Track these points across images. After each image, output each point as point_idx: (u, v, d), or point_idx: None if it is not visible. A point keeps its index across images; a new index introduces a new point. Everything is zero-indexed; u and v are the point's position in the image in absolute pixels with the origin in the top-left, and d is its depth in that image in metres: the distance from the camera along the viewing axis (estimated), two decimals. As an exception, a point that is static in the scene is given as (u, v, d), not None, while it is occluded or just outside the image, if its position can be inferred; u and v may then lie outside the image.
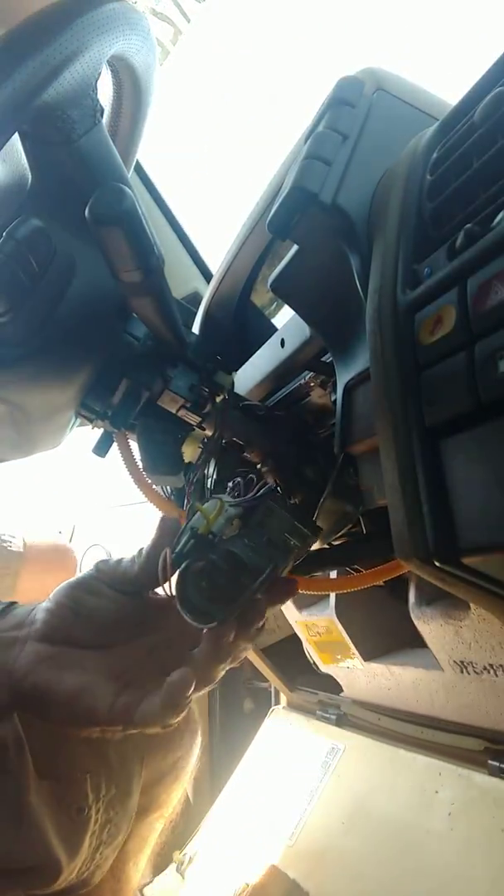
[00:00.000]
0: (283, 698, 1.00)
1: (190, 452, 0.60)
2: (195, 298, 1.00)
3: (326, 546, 0.55)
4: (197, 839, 0.90)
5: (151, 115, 0.55)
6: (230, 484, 0.56)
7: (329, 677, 0.88)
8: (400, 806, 0.68)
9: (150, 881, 0.89)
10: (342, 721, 0.86)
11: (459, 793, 0.64)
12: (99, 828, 0.59)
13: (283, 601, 0.42)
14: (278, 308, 0.81)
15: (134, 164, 0.59)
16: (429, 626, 0.62)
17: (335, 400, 0.42)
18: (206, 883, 0.82)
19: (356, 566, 0.56)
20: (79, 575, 0.42)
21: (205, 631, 0.39)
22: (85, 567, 1.51)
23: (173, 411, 0.55)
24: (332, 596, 0.78)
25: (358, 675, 0.80)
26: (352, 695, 0.85)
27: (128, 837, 0.64)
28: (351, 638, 0.76)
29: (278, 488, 0.56)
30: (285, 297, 0.43)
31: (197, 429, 0.58)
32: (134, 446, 0.60)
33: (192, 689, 0.37)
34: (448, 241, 0.27)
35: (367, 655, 0.76)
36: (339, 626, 0.76)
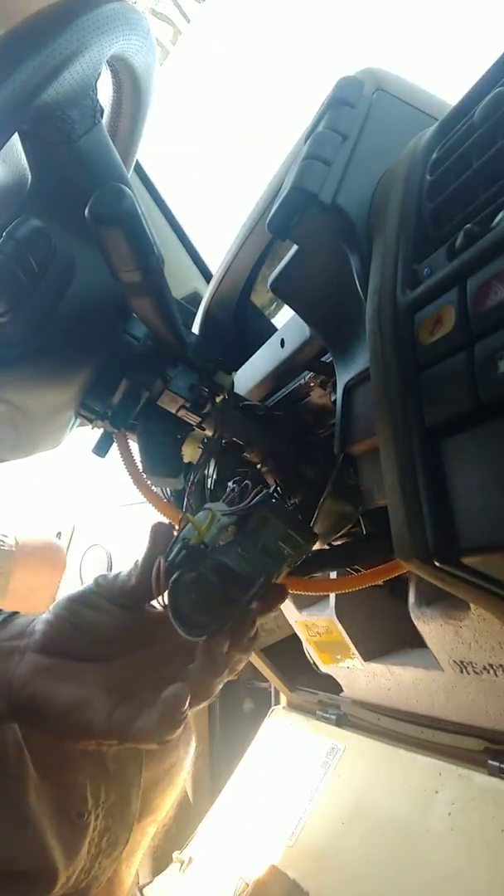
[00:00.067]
0: (283, 698, 1.00)
1: (190, 453, 0.60)
2: (195, 298, 1.00)
3: (326, 547, 0.55)
4: (197, 839, 0.90)
5: (151, 115, 0.55)
6: (230, 484, 0.56)
7: (329, 677, 0.88)
8: (400, 806, 0.68)
9: (151, 881, 0.89)
10: (342, 721, 0.86)
11: (459, 793, 0.64)
12: (98, 835, 0.59)
13: (274, 609, 0.42)
14: (278, 308, 0.81)
15: (134, 164, 0.59)
16: (429, 626, 0.62)
17: (335, 400, 0.42)
18: (206, 883, 0.81)
19: (356, 566, 0.56)
20: (79, 588, 0.42)
21: (199, 644, 0.39)
22: (85, 567, 1.52)
23: (173, 411, 0.55)
24: (332, 596, 0.78)
25: (358, 675, 0.80)
26: (352, 695, 0.85)
27: None
28: (351, 638, 0.76)
29: (278, 488, 0.56)
30: (285, 297, 0.43)
31: (197, 429, 0.58)
32: (134, 447, 0.60)
33: (188, 704, 0.37)
34: (448, 242, 0.27)
35: (367, 655, 0.76)
36: (339, 626, 0.76)
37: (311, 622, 0.82)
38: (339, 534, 0.51)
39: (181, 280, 1.04)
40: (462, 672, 0.62)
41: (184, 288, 1.03)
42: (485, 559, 0.25)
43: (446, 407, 0.25)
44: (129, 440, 0.61)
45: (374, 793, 0.73)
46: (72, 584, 1.55)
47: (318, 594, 0.82)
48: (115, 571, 0.43)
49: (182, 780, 0.79)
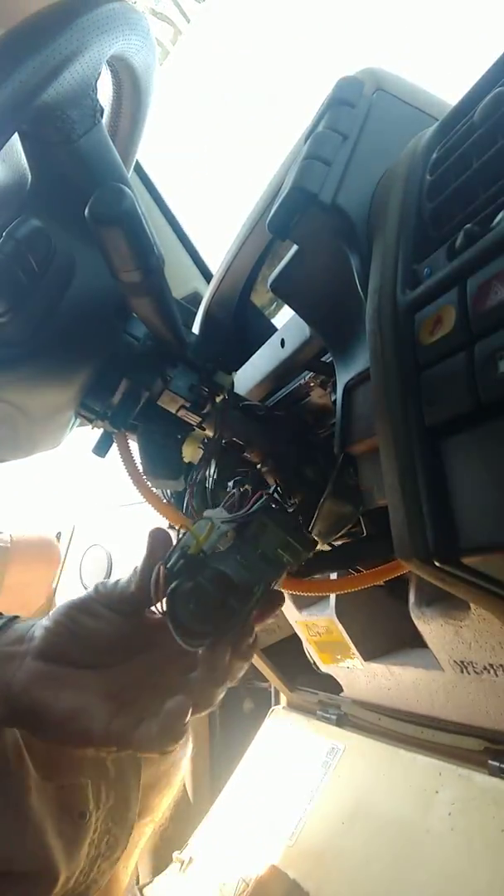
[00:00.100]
0: (283, 698, 1.00)
1: (190, 453, 0.60)
2: (195, 298, 1.00)
3: (327, 547, 0.55)
4: (197, 839, 0.90)
5: (151, 115, 0.55)
6: (230, 484, 0.56)
7: (329, 677, 0.88)
8: (400, 806, 0.68)
9: (151, 881, 0.89)
10: (342, 721, 0.86)
11: (459, 793, 0.64)
12: (98, 837, 0.59)
13: (271, 616, 0.42)
14: (278, 308, 0.81)
15: (134, 164, 0.59)
16: (429, 626, 0.62)
17: (335, 400, 0.42)
18: (206, 883, 0.81)
19: (356, 567, 0.56)
20: (78, 595, 0.42)
21: (200, 654, 0.39)
22: (85, 567, 1.52)
23: (173, 411, 0.55)
24: (333, 596, 0.78)
25: (358, 675, 0.80)
26: (352, 695, 0.85)
27: None
28: (351, 638, 0.76)
29: (278, 488, 0.56)
30: (285, 297, 0.43)
31: (197, 429, 0.58)
32: (134, 447, 0.60)
33: (189, 715, 0.37)
34: (448, 241, 0.27)
35: (367, 655, 0.76)
36: (339, 626, 0.76)
37: (312, 622, 0.82)
38: (340, 534, 0.51)
39: (181, 280, 1.04)
40: (462, 672, 0.62)
41: (184, 288, 1.03)
42: (485, 559, 0.25)
43: (446, 407, 0.25)
44: (129, 440, 0.61)
45: (374, 793, 0.73)
46: (72, 583, 1.55)
47: (318, 595, 0.82)
48: (114, 577, 0.43)
49: (179, 781, 0.79)
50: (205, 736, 1.19)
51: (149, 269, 0.42)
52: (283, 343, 0.53)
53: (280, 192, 0.35)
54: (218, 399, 0.55)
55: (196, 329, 0.67)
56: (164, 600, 0.38)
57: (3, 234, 0.44)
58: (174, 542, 0.42)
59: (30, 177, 0.49)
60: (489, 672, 0.59)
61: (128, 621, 0.41)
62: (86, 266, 0.49)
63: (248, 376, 0.60)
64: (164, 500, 0.65)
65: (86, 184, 0.46)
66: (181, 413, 0.55)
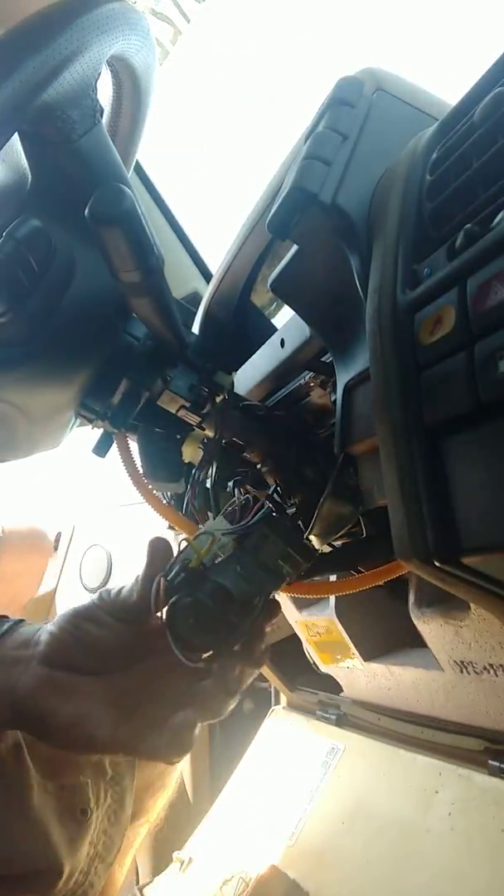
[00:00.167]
0: (283, 698, 1.00)
1: (189, 453, 0.60)
2: (195, 298, 1.00)
3: (327, 549, 0.55)
4: (197, 839, 0.90)
5: (151, 115, 0.55)
6: (230, 484, 0.55)
7: (329, 677, 0.88)
8: (400, 806, 0.68)
9: (151, 881, 0.89)
10: (342, 721, 0.86)
11: (459, 793, 0.64)
12: (97, 836, 0.59)
13: (268, 624, 0.42)
14: (278, 308, 0.81)
15: (134, 164, 0.59)
16: (429, 626, 0.62)
17: (335, 400, 0.42)
18: (206, 883, 0.81)
19: (356, 567, 0.56)
20: (83, 603, 0.43)
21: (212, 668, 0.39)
22: (85, 567, 1.52)
23: (173, 411, 0.55)
24: (332, 596, 0.78)
25: (358, 675, 0.80)
26: (352, 695, 0.85)
27: None
28: (351, 638, 0.76)
29: (277, 489, 0.56)
30: (285, 297, 0.43)
31: (197, 429, 0.58)
32: (133, 447, 0.60)
33: (199, 727, 0.37)
34: (448, 241, 0.27)
35: (367, 655, 0.76)
36: (339, 626, 0.76)
37: (311, 622, 0.82)
38: (339, 534, 0.51)
39: (181, 280, 1.04)
40: (462, 672, 0.62)
41: (184, 288, 1.03)
42: (485, 559, 0.25)
43: (446, 407, 0.25)
44: (129, 440, 0.61)
45: (374, 793, 0.73)
46: (72, 583, 1.55)
47: (318, 596, 0.82)
48: (115, 579, 0.43)
49: (174, 782, 0.79)
50: (205, 736, 1.19)
51: (149, 269, 0.42)
52: (283, 343, 0.53)
53: (280, 192, 0.35)
54: (218, 399, 0.55)
55: (196, 329, 0.67)
56: (165, 614, 0.38)
57: (3, 234, 0.44)
58: (174, 548, 0.43)
59: (30, 177, 0.49)
60: (489, 672, 0.59)
61: (131, 629, 0.41)
62: (86, 266, 0.49)
63: (248, 376, 0.60)
64: (164, 501, 0.65)
65: (86, 184, 0.46)
66: (181, 413, 0.55)
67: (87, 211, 0.38)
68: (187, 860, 0.86)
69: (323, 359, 0.49)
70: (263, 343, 0.57)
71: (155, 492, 0.63)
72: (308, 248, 0.39)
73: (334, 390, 0.43)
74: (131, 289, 0.43)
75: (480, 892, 0.55)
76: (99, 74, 0.44)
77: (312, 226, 0.35)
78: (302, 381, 0.54)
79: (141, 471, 0.60)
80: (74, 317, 0.49)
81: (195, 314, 0.67)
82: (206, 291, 0.66)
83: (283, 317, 0.65)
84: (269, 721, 0.99)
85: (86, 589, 1.46)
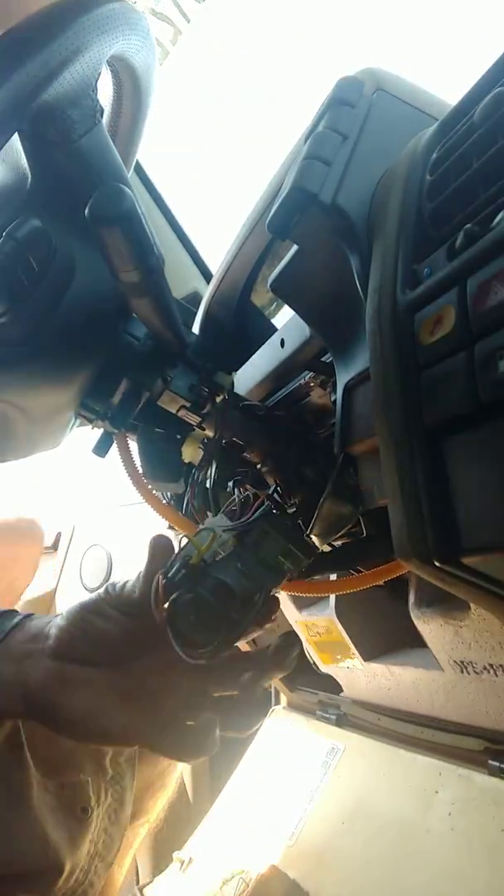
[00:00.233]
0: (283, 698, 1.00)
1: (190, 453, 0.60)
2: (195, 298, 1.00)
3: (327, 548, 0.55)
4: (197, 839, 0.90)
5: (151, 115, 0.55)
6: (230, 484, 0.55)
7: (329, 677, 0.88)
8: (400, 806, 0.68)
9: (151, 881, 0.89)
10: (342, 721, 0.86)
11: (459, 793, 0.64)
12: (97, 834, 0.60)
13: (268, 621, 0.43)
14: (278, 308, 0.81)
15: (134, 164, 0.59)
16: (429, 626, 0.62)
17: (335, 400, 0.42)
18: (206, 883, 0.81)
19: (356, 567, 0.56)
20: (90, 596, 0.43)
21: (241, 679, 0.39)
22: (85, 567, 1.52)
23: (173, 412, 0.55)
24: (332, 596, 0.78)
25: (358, 675, 0.80)
26: (352, 695, 0.85)
27: None
28: (351, 638, 0.76)
29: (277, 489, 0.56)
30: (285, 297, 0.43)
31: (197, 429, 0.58)
32: (133, 447, 0.60)
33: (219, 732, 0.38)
34: (448, 241, 0.27)
35: (367, 655, 0.76)
36: (339, 626, 0.76)
37: (311, 622, 0.82)
38: (339, 534, 0.51)
39: (181, 280, 1.04)
40: (462, 672, 0.62)
41: (184, 288, 1.03)
42: (485, 559, 0.25)
43: (446, 407, 0.25)
44: (128, 440, 0.61)
45: (374, 793, 0.73)
46: (72, 583, 1.55)
47: (318, 595, 0.82)
48: (122, 579, 0.43)
49: (174, 782, 0.79)
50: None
51: (149, 269, 0.42)
52: (283, 343, 0.53)
53: (280, 192, 0.35)
54: (218, 399, 0.55)
55: (196, 329, 0.67)
56: (165, 611, 0.38)
57: (3, 234, 0.44)
58: (175, 546, 0.43)
59: (30, 177, 0.49)
60: (489, 672, 0.59)
61: (136, 622, 0.41)
62: (86, 266, 0.49)
63: (248, 376, 0.60)
64: (164, 501, 0.65)
65: (86, 184, 0.46)
66: (181, 413, 0.55)
67: (86, 211, 0.38)
68: (187, 860, 0.86)
69: (323, 359, 0.49)
70: (263, 343, 0.57)
71: (155, 492, 0.63)
72: (308, 248, 0.39)
73: (334, 390, 0.43)
74: (131, 289, 0.43)
75: (480, 892, 0.55)
76: (99, 74, 0.44)
77: (312, 226, 0.35)
78: (302, 381, 0.54)
79: (140, 471, 0.60)
80: (74, 317, 0.49)
81: (195, 314, 0.67)
82: (206, 291, 0.66)
83: (283, 317, 0.65)
84: (269, 721, 0.99)
85: (86, 589, 1.46)
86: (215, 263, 0.66)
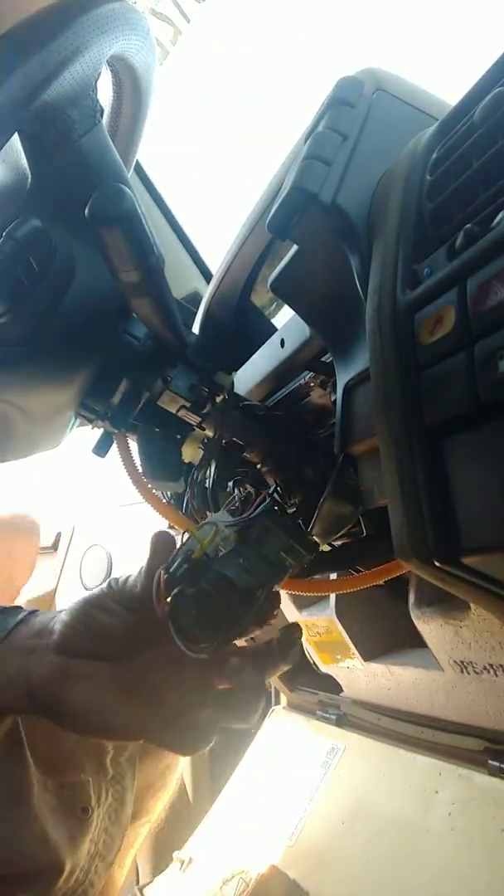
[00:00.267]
0: (283, 698, 1.00)
1: (190, 453, 0.60)
2: (195, 298, 1.00)
3: (326, 548, 0.55)
4: (197, 839, 0.90)
5: (151, 115, 0.55)
6: (230, 484, 0.55)
7: (329, 677, 0.88)
8: (400, 806, 0.68)
9: (151, 881, 0.89)
10: (342, 721, 0.86)
11: (459, 793, 0.64)
12: (98, 834, 0.60)
13: (269, 617, 0.43)
14: (278, 308, 0.81)
15: (134, 164, 0.59)
16: (429, 626, 0.62)
17: (335, 400, 0.42)
18: (206, 883, 0.81)
19: (357, 567, 0.56)
20: (94, 591, 0.43)
21: (240, 679, 0.39)
22: (85, 567, 1.52)
23: (173, 412, 0.55)
24: (332, 596, 0.78)
25: (358, 675, 0.80)
26: (352, 695, 0.85)
27: None
28: (351, 638, 0.76)
29: (278, 488, 0.56)
30: (285, 297, 0.43)
31: (197, 429, 0.58)
32: (133, 447, 0.60)
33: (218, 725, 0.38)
34: (448, 241, 0.27)
35: (367, 655, 0.76)
36: (339, 626, 0.76)
37: (311, 622, 0.82)
38: (339, 534, 0.51)
39: (181, 280, 1.04)
40: (462, 672, 0.62)
41: (184, 288, 1.03)
42: (485, 559, 0.25)
43: (446, 407, 0.25)
44: (128, 440, 0.61)
45: (374, 793, 0.73)
46: (72, 583, 1.55)
47: (318, 594, 0.82)
48: (125, 574, 0.43)
49: (175, 782, 0.79)
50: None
51: (149, 269, 0.42)
52: (283, 343, 0.53)
53: (280, 192, 0.35)
54: (218, 399, 0.55)
55: (196, 329, 0.67)
56: (168, 606, 0.38)
57: (3, 234, 0.44)
58: (177, 543, 0.42)
59: (30, 177, 0.49)
60: (489, 672, 0.59)
61: (138, 616, 0.41)
62: (86, 266, 0.49)
63: (248, 376, 0.60)
64: (164, 501, 0.65)
65: (86, 184, 0.46)
66: (181, 413, 0.55)
67: (86, 211, 0.38)
68: (187, 860, 0.86)
69: (323, 359, 0.49)
70: (263, 343, 0.57)
71: (155, 491, 0.63)
72: (308, 248, 0.39)
73: (334, 390, 0.43)
74: (131, 289, 0.43)
75: (480, 892, 0.55)
76: (99, 74, 0.44)
77: (312, 226, 0.35)
78: (302, 381, 0.54)
79: (140, 470, 0.60)
80: (74, 317, 0.49)
81: (195, 314, 0.67)
82: (206, 291, 0.66)
83: (283, 317, 0.65)
84: (269, 721, 0.99)
85: (86, 589, 1.46)
86: (215, 263, 0.66)
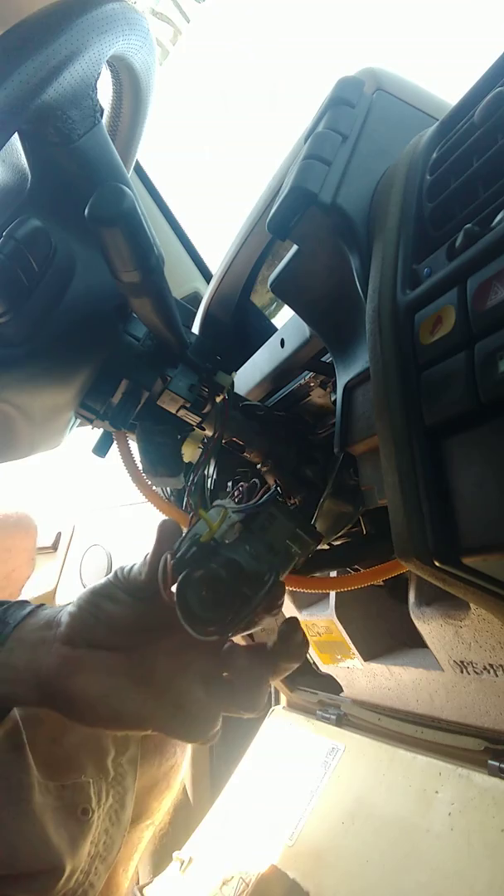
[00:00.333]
0: (283, 698, 1.00)
1: (190, 453, 0.60)
2: (195, 298, 1.00)
3: (327, 547, 0.55)
4: (197, 839, 0.90)
5: (151, 115, 0.55)
6: (230, 482, 0.55)
7: (329, 677, 0.88)
8: (400, 806, 0.68)
9: (150, 881, 0.89)
10: (342, 721, 0.86)
11: (459, 793, 0.64)
12: (98, 835, 0.59)
13: (275, 608, 0.43)
14: (278, 308, 0.81)
15: (134, 164, 0.59)
16: (429, 626, 0.62)
17: (335, 400, 0.42)
18: (206, 883, 0.81)
19: (356, 566, 0.56)
20: (101, 581, 0.43)
21: (243, 677, 0.39)
22: (85, 567, 1.52)
23: (173, 412, 0.55)
24: (332, 596, 0.78)
25: (358, 675, 0.80)
26: (352, 695, 0.85)
27: None
28: (351, 638, 0.76)
29: (278, 488, 0.56)
30: (285, 297, 0.43)
31: (197, 429, 0.58)
32: (133, 446, 0.60)
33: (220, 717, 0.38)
34: (448, 241, 0.27)
35: (367, 655, 0.76)
36: (339, 626, 0.76)
37: (312, 622, 0.82)
38: (339, 534, 0.51)
39: (181, 280, 1.04)
40: (462, 672, 0.62)
41: (184, 288, 1.03)
42: (485, 559, 0.25)
43: (446, 407, 0.25)
44: (128, 440, 0.61)
45: (374, 793, 0.73)
46: (72, 583, 1.55)
47: (318, 592, 0.82)
48: (131, 562, 0.43)
49: (178, 784, 0.79)
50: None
51: (149, 270, 0.42)
52: (283, 343, 0.53)
53: (280, 192, 0.35)
54: (218, 399, 0.55)
55: (196, 329, 0.67)
56: (175, 589, 0.38)
57: (3, 234, 0.44)
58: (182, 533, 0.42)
59: (30, 177, 0.49)
60: (489, 672, 0.59)
61: (146, 604, 0.41)
62: (86, 266, 0.49)
63: (248, 376, 0.60)
64: (165, 498, 0.65)
65: (86, 184, 0.46)
66: (181, 413, 0.55)
67: (86, 211, 0.38)
68: (187, 860, 0.86)
69: (323, 359, 0.49)
70: (263, 343, 0.57)
71: (154, 488, 0.62)
72: (308, 248, 0.39)
73: (334, 390, 0.43)
74: (131, 289, 0.43)
75: (480, 892, 0.55)
76: (99, 74, 0.44)
77: (312, 226, 0.35)
78: (302, 381, 0.54)
79: (140, 467, 0.60)
80: (74, 317, 0.49)
81: (195, 314, 0.67)
82: (206, 291, 0.67)
83: (283, 317, 0.65)
84: (269, 721, 0.99)
85: (84, 587, 1.46)
86: (215, 263, 0.66)
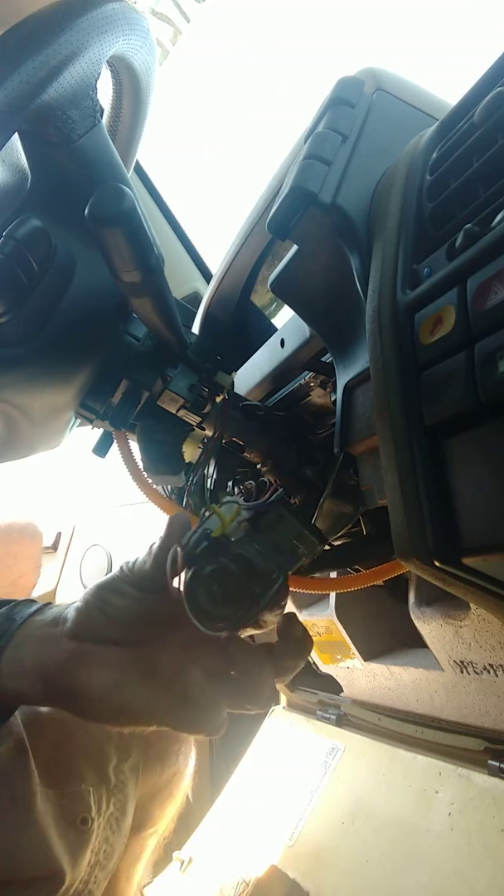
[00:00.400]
0: (283, 698, 1.00)
1: (190, 452, 0.60)
2: (195, 298, 1.00)
3: (327, 547, 0.55)
4: (197, 839, 0.90)
5: (151, 115, 0.55)
6: (230, 481, 0.55)
7: (329, 677, 0.88)
8: (400, 806, 0.68)
9: (150, 881, 0.89)
10: (342, 721, 0.86)
11: (459, 793, 0.64)
12: (98, 844, 0.59)
13: (280, 607, 0.43)
14: (278, 308, 0.81)
15: (134, 164, 0.59)
16: (429, 626, 0.62)
17: (335, 400, 0.42)
18: (206, 883, 0.81)
19: (357, 566, 0.56)
20: (107, 576, 0.43)
21: (245, 674, 0.39)
22: (85, 567, 1.52)
23: (173, 411, 0.55)
24: (332, 596, 0.78)
25: (358, 675, 0.80)
26: (352, 695, 0.85)
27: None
28: (351, 638, 0.76)
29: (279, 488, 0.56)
30: (285, 297, 0.43)
31: (197, 429, 0.58)
32: (134, 446, 0.60)
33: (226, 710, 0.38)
34: (448, 241, 0.27)
35: (367, 655, 0.76)
36: (339, 626, 0.76)
37: (312, 622, 0.82)
38: (339, 533, 0.51)
39: (181, 280, 1.04)
40: (462, 672, 0.62)
41: (184, 288, 1.03)
42: (485, 559, 0.25)
43: (446, 407, 0.25)
44: (129, 440, 0.61)
45: (374, 793, 0.73)
46: (72, 583, 1.55)
47: (318, 593, 0.82)
48: (136, 556, 0.43)
49: (182, 792, 0.79)
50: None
51: (149, 270, 0.42)
52: (283, 343, 0.53)
53: (280, 192, 0.35)
54: (218, 399, 0.55)
55: (196, 329, 0.67)
56: (184, 583, 0.38)
57: (3, 234, 0.44)
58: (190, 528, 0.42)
59: (30, 177, 0.49)
60: (489, 672, 0.59)
61: (152, 597, 0.41)
62: (86, 266, 0.49)
63: (248, 376, 0.60)
64: (165, 496, 0.65)
65: (86, 184, 0.46)
66: (181, 413, 0.55)
67: (87, 211, 0.38)
68: (187, 860, 0.86)
69: (323, 359, 0.49)
70: (263, 343, 0.57)
71: (155, 486, 0.62)
72: (308, 248, 0.39)
73: (334, 390, 0.43)
74: (132, 289, 0.43)
75: (480, 892, 0.55)
76: (99, 74, 0.44)
77: (312, 226, 0.35)
78: (302, 381, 0.54)
79: (141, 468, 0.60)
80: (74, 317, 0.49)
81: (195, 314, 0.67)
82: (206, 291, 0.67)
83: (283, 317, 0.65)
84: (269, 721, 0.99)
85: (85, 588, 1.46)
86: (215, 263, 0.66)
